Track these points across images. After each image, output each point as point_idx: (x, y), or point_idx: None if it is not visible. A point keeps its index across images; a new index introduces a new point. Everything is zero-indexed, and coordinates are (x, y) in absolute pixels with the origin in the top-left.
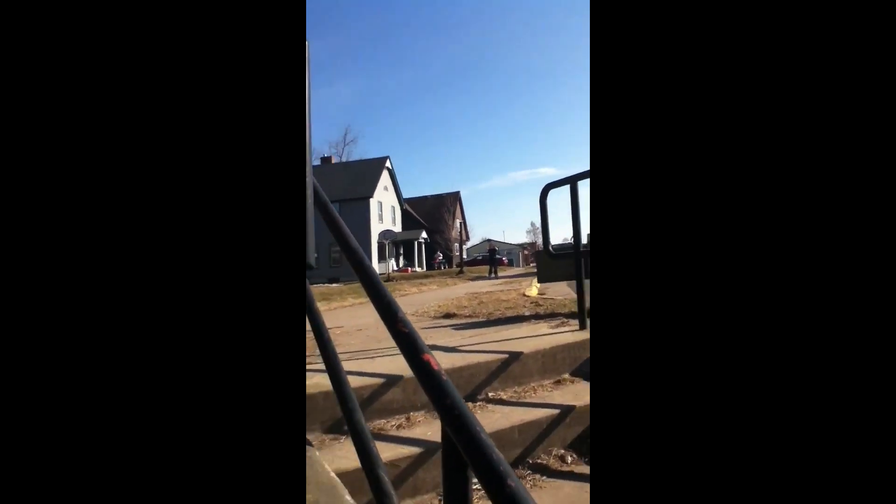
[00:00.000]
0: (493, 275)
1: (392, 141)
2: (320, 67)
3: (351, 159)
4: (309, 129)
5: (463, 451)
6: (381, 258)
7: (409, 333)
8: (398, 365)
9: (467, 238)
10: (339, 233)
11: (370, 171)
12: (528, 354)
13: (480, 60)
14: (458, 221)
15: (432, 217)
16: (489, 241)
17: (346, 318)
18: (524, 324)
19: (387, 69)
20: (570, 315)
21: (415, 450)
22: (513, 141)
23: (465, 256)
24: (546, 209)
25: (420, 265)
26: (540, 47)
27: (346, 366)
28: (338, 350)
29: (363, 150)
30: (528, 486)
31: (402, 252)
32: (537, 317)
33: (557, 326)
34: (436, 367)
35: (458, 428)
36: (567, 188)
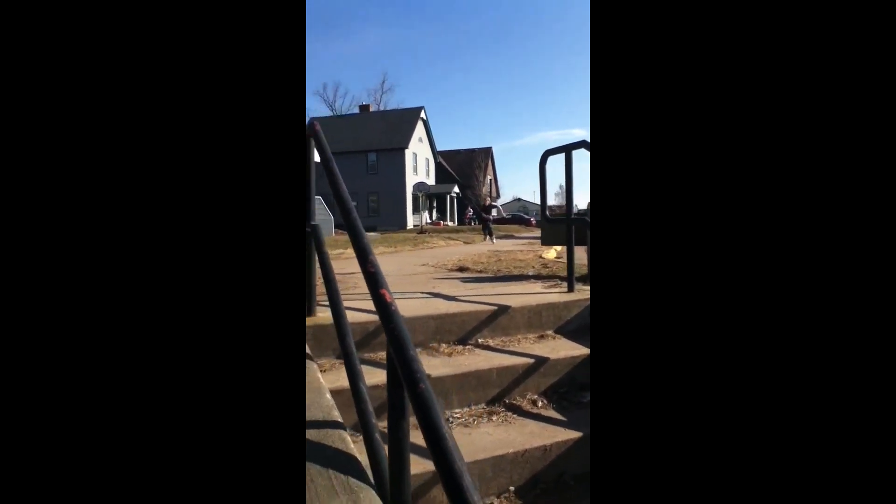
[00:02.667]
0: (488, 236)
1: (427, 92)
2: (353, 13)
3: (388, 108)
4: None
5: (397, 364)
6: (416, 210)
7: (375, 273)
8: (400, 306)
9: (498, 195)
10: (335, 185)
11: (406, 121)
12: (516, 309)
13: (523, 18)
14: (488, 178)
15: (464, 172)
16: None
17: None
18: (524, 282)
19: (428, 19)
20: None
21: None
22: (547, 100)
23: (494, 214)
24: (545, 175)
25: (452, 219)
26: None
27: (356, 304)
28: (352, 292)
29: (400, 99)
30: (499, 420)
31: (435, 205)
32: (539, 277)
33: (550, 287)
34: (388, 300)
35: (397, 348)
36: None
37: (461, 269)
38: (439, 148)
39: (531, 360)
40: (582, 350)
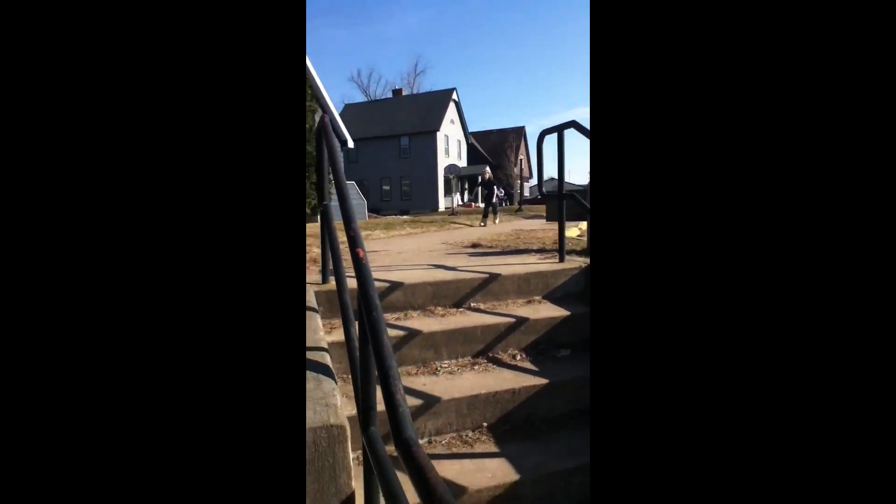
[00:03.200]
0: (485, 220)
1: (460, 73)
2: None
3: (420, 91)
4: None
5: (360, 299)
6: (447, 192)
7: (355, 235)
8: (406, 275)
9: (530, 175)
10: (336, 175)
11: (437, 103)
12: (505, 276)
13: None
14: (520, 158)
15: (496, 152)
16: (488, 171)
17: (396, 244)
18: (525, 255)
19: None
20: (569, 251)
21: (401, 333)
22: (579, 76)
23: (526, 194)
24: (542, 153)
25: (483, 201)
26: None
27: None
28: (371, 265)
29: (433, 82)
30: (480, 370)
31: (466, 187)
32: (542, 251)
33: (544, 259)
34: (361, 255)
35: (361, 286)
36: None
37: (474, 246)
38: (472, 129)
39: (514, 320)
40: (562, 312)
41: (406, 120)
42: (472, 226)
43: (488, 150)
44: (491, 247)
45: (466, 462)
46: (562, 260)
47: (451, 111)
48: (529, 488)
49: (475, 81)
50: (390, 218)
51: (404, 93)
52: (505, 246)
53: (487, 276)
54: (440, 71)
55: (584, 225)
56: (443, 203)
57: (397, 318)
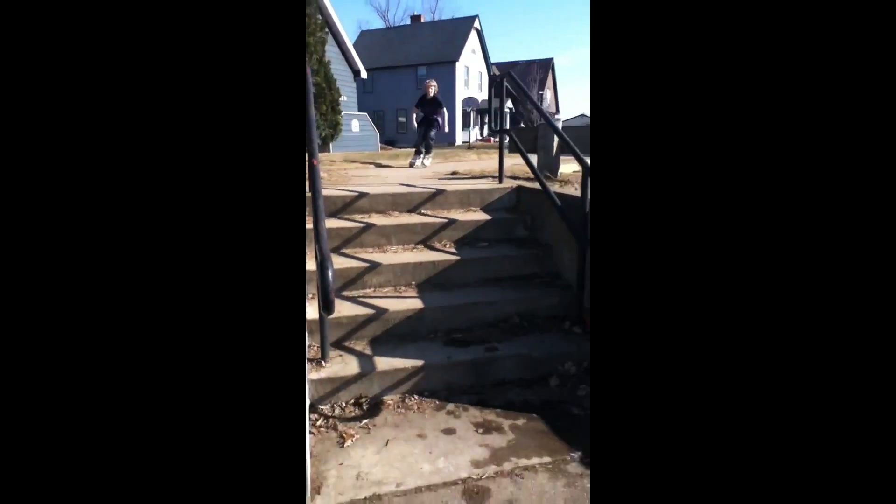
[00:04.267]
0: (421, 155)
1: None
2: None
3: (443, 17)
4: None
5: (310, 189)
6: (465, 126)
7: (312, 149)
8: (376, 190)
9: (557, 111)
10: (309, 116)
11: (457, 32)
12: (450, 192)
13: None
14: (548, 92)
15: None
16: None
17: (390, 172)
18: (482, 180)
19: None
20: (511, 177)
21: (362, 225)
22: None
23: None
24: (492, 95)
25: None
26: None
27: (345, 187)
28: (340, 185)
29: (456, 8)
30: (416, 251)
31: (486, 121)
32: (495, 177)
33: (490, 182)
34: (315, 164)
35: (312, 183)
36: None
37: (453, 174)
38: (495, 60)
39: (448, 220)
40: (488, 217)
41: (424, 49)
42: (477, 159)
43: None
44: (464, 174)
45: (394, 301)
46: (500, 181)
47: (473, 40)
48: (429, 312)
49: (501, 9)
50: (401, 150)
51: (423, 19)
52: (476, 173)
53: (436, 190)
54: None
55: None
56: (460, 137)
57: (362, 217)
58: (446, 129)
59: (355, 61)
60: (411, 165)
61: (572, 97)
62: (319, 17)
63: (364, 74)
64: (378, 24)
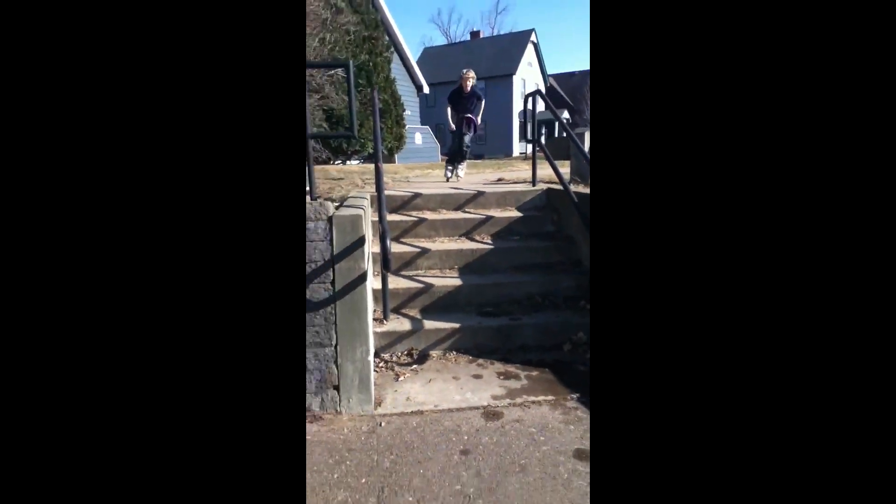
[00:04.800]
0: (456, 166)
1: (542, 11)
2: None
3: (502, 30)
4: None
5: (377, 191)
6: (522, 137)
7: (379, 172)
8: (428, 191)
9: None
10: (375, 128)
11: (514, 46)
12: (489, 193)
13: None
14: None
15: (576, 96)
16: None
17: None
18: (520, 185)
19: None
20: (550, 181)
21: (416, 220)
22: None
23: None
24: (525, 109)
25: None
26: None
27: (405, 189)
28: (396, 185)
29: (514, 21)
30: (460, 241)
31: (543, 132)
32: (534, 182)
33: (525, 185)
34: (379, 167)
35: (378, 191)
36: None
37: (498, 180)
38: (553, 71)
39: (486, 217)
40: (520, 214)
41: (483, 63)
42: (528, 168)
43: (568, 92)
44: (509, 180)
45: (440, 279)
46: (534, 185)
47: (530, 53)
48: (466, 289)
49: (558, 20)
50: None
51: (483, 34)
52: (519, 180)
53: (477, 192)
54: (522, 8)
55: None
56: (518, 148)
57: (417, 213)
58: (479, 127)
59: (418, 77)
60: (447, 179)
61: None
62: (387, 38)
63: (427, 90)
64: (440, 40)
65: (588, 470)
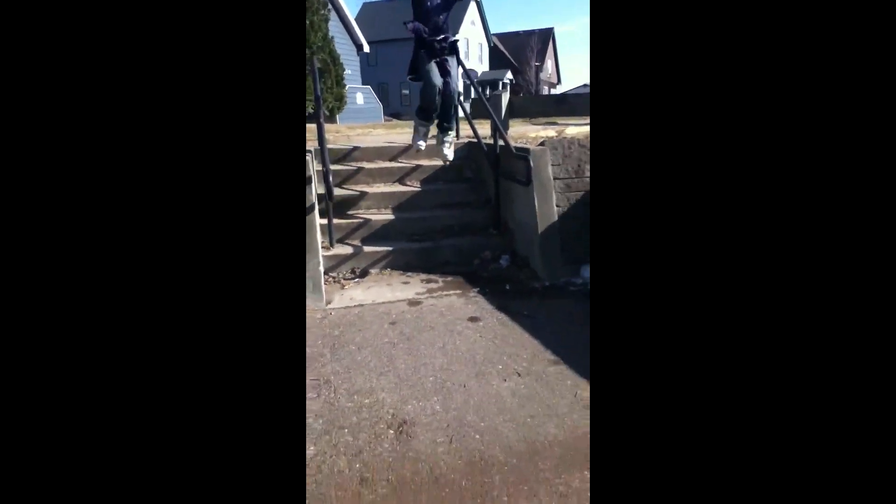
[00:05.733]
0: (416, 138)
1: None
2: None
3: None
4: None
5: (320, 155)
6: (466, 98)
7: (321, 126)
8: (367, 144)
9: (559, 81)
10: (316, 93)
11: (457, 3)
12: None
13: None
14: (548, 62)
15: (520, 56)
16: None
17: (385, 137)
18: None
19: None
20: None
21: (354, 168)
22: None
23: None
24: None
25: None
26: None
27: (345, 144)
28: (348, 143)
29: None
30: (394, 186)
31: (487, 92)
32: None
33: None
34: (321, 122)
35: (321, 145)
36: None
37: (432, 136)
38: (495, 31)
39: (416, 165)
40: (442, 163)
41: None
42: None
43: (512, 52)
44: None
45: (376, 216)
46: (458, 138)
47: (472, 12)
48: (398, 222)
49: None
50: (405, 121)
51: None
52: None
53: (409, 145)
54: None
55: (562, 128)
56: (460, 109)
57: (356, 163)
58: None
59: (358, 36)
60: (417, 151)
61: (575, 67)
62: None
63: (367, 48)
64: None
65: (476, 326)
